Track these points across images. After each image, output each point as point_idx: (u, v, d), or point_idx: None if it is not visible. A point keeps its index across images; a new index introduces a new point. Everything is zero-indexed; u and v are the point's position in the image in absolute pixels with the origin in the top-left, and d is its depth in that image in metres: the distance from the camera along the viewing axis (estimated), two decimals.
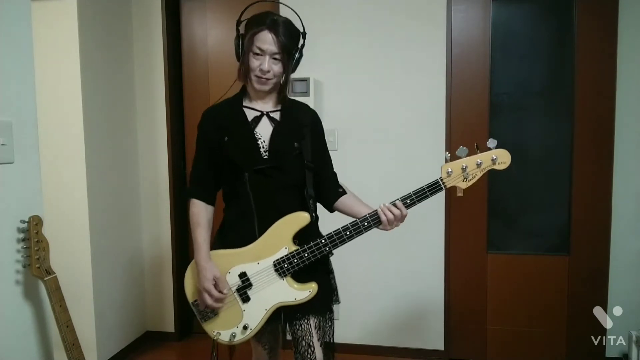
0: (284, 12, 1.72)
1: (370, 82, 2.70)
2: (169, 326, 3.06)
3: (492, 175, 2.62)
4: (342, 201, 1.57)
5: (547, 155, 2.66)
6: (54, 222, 2.15)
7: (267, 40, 1.40)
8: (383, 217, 1.41)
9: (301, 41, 1.52)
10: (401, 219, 1.44)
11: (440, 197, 2.63)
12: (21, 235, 1.46)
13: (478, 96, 2.63)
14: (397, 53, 2.66)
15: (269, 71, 1.42)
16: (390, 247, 2.73)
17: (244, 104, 1.53)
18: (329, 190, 1.59)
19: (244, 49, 1.44)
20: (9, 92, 1.45)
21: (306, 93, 2.65)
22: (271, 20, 1.42)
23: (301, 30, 1.52)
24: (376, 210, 1.43)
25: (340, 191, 1.58)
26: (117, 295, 2.79)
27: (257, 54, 1.42)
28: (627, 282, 2.57)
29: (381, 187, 2.69)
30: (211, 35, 2.96)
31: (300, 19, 1.54)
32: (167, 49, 2.92)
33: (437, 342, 2.74)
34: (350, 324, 2.79)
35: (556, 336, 2.64)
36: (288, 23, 1.46)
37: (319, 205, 1.60)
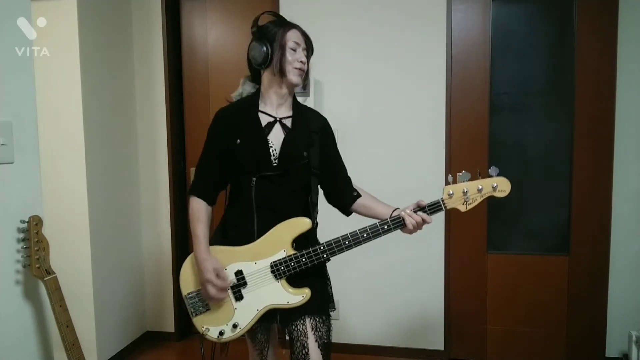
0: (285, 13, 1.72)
1: (370, 82, 2.70)
2: (169, 326, 3.06)
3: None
4: (358, 204, 1.61)
5: (547, 155, 2.66)
6: (54, 222, 2.15)
7: (299, 36, 1.50)
8: (408, 221, 1.46)
9: None
10: (420, 226, 1.49)
11: (440, 197, 2.63)
12: (21, 235, 1.46)
13: (478, 96, 2.63)
14: (397, 53, 2.66)
15: (305, 62, 1.51)
16: (390, 247, 2.73)
17: (259, 108, 1.54)
18: (344, 195, 1.62)
19: (279, 46, 1.47)
20: (9, 92, 1.45)
21: (306, 93, 2.65)
22: (291, 22, 1.53)
23: None
24: (376, 223, 1.47)
25: (355, 194, 1.61)
26: (117, 295, 2.79)
27: (293, 49, 1.48)
28: (627, 282, 2.57)
29: (381, 188, 2.68)
30: (211, 35, 2.97)
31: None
32: (167, 49, 2.93)
33: (437, 342, 2.74)
34: (351, 324, 2.79)
35: (556, 336, 2.64)
36: None
37: (322, 211, 1.61)
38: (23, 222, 1.46)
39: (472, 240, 2.70)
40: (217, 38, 2.96)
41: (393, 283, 2.76)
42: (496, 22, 2.60)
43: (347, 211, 1.64)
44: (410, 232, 1.48)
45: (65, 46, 2.45)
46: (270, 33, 1.48)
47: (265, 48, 1.47)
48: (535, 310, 2.65)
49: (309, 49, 1.54)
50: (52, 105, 2.47)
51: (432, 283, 2.72)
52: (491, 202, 2.67)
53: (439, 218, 2.68)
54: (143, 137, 3.00)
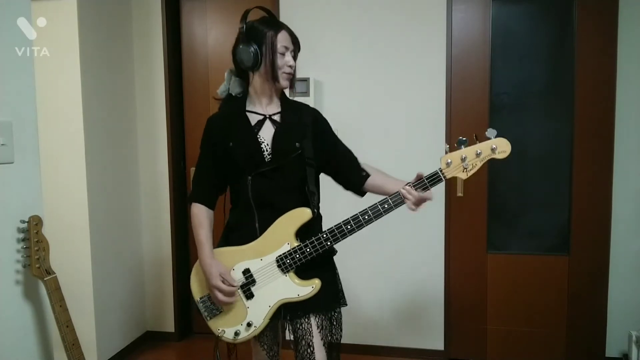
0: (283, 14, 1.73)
1: (370, 82, 2.70)
2: (169, 326, 3.06)
3: (492, 175, 2.63)
4: (369, 183, 1.59)
5: (547, 155, 2.65)
6: (54, 222, 2.15)
7: (287, 38, 1.49)
8: (408, 196, 1.41)
9: None
10: (418, 201, 1.42)
11: (440, 197, 2.64)
12: (21, 235, 1.46)
13: (478, 96, 2.63)
14: (397, 53, 2.66)
15: (294, 65, 1.50)
16: (390, 247, 2.73)
17: (247, 108, 1.55)
18: (353, 177, 1.61)
19: (269, 51, 1.46)
20: (9, 92, 1.45)
21: (306, 93, 2.65)
22: (279, 21, 1.52)
23: None
24: (376, 203, 1.44)
25: (364, 174, 1.59)
26: (117, 295, 2.79)
27: (282, 53, 1.48)
28: (627, 282, 2.57)
29: None
30: (211, 35, 2.97)
31: (275, 17, 1.60)
32: (167, 49, 2.93)
33: (437, 342, 2.74)
34: (350, 324, 2.79)
35: (556, 336, 2.64)
36: None
37: (325, 200, 1.62)
38: (23, 222, 1.46)
39: (472, 240, 2.70)
40: (217, 38, 2.96)
41: (393, 282, 2.76)
42: (496, 22, 2.60)
43: (360, 192, 1.62)
44: (413, 209, 1.42)
45: (65, 46, 2.45)
46: (259, 35, 1.46)
47: (254, 52, 1.46)
48: (535, 310, 2.65)
49: (297, 49, 1.53)
50: (52, 105, 2.47)
51: (432, 283, 2.72)
52: (491, 202, 2.67)
53: (440, 218, 2.68)
54: (143, 137, 3.00)
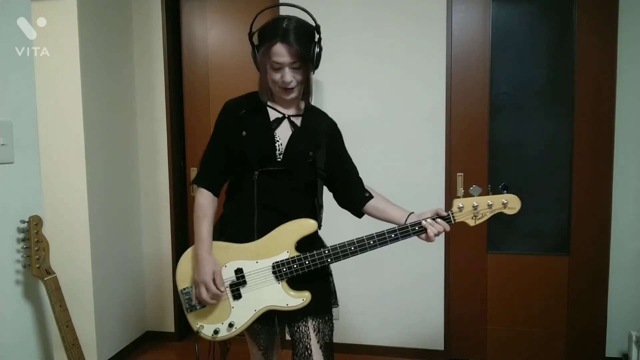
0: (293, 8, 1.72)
1: (370, 82, 2.70)
2: (169, 326, 3.06)
3: (492, 175, 2.63)
4: (370, 205, 1.58)
5: (547, 155, 2.66)
6: (54, 222, 2.16)
7: (281, 52, 1.35)
8: (430, 229, 1.49)
9: (317, 35, 1.44)
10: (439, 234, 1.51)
11: (440, 197, 2.63)
12: (21, 235, 1.46)
13: (478, 96, 2.63)
14: (397, 53, 2.66)
15: (291, 81, 1.39)
16: (390, 247, 2.71)
17: (268, 103, 1.51)
18: (355, 196, 1.59)
19: (262, 68, 1.42)
20: (9, 92, 1.45)
21: None
22: (282, 30, 1.35)
23: (314, 24, 1.45)
24: (384, 231, 1.47)
25: (366, 195, 1.59)
26: (117, 295, 2.79)
27: (276, 68, 1.38)
28: (627, 282, 2.57)
29: (381, 188, 2.68)
30: (211, 35, 2.97)
31: (311, 15, 1.49)
32: (167, 49, 2.93)
33: (437, 342, 2.74)
34: (350, 324, 2.79)
35: (556, 336, 2.64)
36: (299, 26, 1.39)
37: (327, 213, 1.60)
38: (23, 222, 1.46)
39: (472, 240, 2.70)
40: (217, 38, 2.96)
41: (393, 283, 2.76)
42: (496, 22, 2.60)
43: (359, 212, 1.62)
44: (430, 239, 1.50)
45: (65, 46, 2.45)
46: (257, 46, 1.41)
47: (255, 63, 1.43)
48: (535, 310, 2.65)
49: (301, 60, 1.37)
50: (52, 105, 2.47)
51: (432, 283, 2.72)
52: None
53: None
54: (143, 137, 3.00)
